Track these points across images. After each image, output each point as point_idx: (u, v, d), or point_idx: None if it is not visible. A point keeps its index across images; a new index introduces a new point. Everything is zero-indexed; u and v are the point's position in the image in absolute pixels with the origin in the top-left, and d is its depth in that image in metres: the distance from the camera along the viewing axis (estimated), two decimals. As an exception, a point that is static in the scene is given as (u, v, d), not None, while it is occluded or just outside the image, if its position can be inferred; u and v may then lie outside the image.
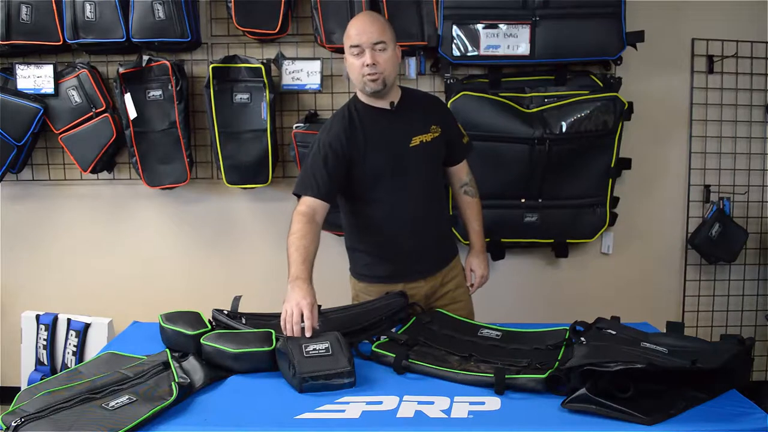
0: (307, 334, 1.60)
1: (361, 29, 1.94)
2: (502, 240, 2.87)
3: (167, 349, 1.66)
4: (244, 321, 1.82)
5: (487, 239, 2.83)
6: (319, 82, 2.75)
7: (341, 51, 2.66)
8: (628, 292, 3.01)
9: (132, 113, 2.69)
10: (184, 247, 3.02)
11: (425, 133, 2.06)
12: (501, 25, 2.67)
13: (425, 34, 2.66)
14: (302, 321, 1.62)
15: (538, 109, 2.73)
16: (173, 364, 1.55)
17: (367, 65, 1.92)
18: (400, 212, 2.04)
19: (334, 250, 2.95)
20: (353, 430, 1.35)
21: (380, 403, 1.45)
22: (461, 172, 2.24)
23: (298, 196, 1.98)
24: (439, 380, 1.56)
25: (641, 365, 1.37)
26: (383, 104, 2.03)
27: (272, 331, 1.67)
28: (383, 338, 1.75)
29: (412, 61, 2.74)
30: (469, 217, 2.28)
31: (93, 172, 2.83)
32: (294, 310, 1.63)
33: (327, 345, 1.56)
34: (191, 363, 1.59)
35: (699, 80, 2.93)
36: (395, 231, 2.07)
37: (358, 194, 2.06)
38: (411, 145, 2.03)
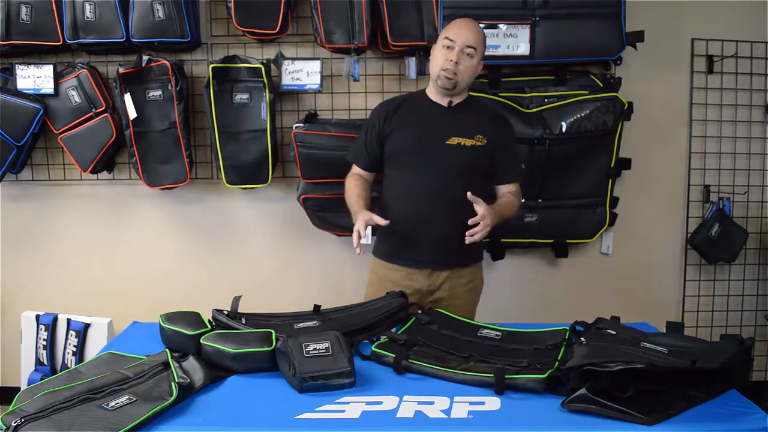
0: (362, 234, 1.96)
1: (461, 28, 2.11)
2: (502, 240, 2.87)
3: (167, 349, 1.66)
4: (244, 321, 1.82)
5: (487, 239, 2.85)
6: (318, 82, 2.75)
7: (341, 51, 2.69)
8: (628, 292, 3.01)
9: (132, 113, 2.69)
10: (184, 247, 3.02)
11: (467, 138, 2.13)
12: (501, 25, 2.67)
13: (425, 34, 2.66)
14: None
15: (538, 109, 2.73)
16: (173, 364, 1.55)
17: (450, 60, 2.06)
18: (410, 196, 2.13)
19: (333, 250, 2.96)
20: (353, 430, 1.35)
21: (380, 403, 1.45)
22: (510, 188, 2.23)
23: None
24: (439, 380, 1.56)
25: (641, 365, 1.38)
26: (442, 101, 2.15)
27: (272, 331, 1.67)
28: (383, 338, 1.75)
29: (412, 61, 2.74)
30: (503, 200, 2.18)
31: (93, 172, 2.83)
32: (354, 235, 1.97)
33: (327, 345, 1.56)
34: (191, 363, 1.59)
35: (699, 80, 2.93)
36: (402, 211, 2.14)
37: (385, 168, 2.22)
38: (447, 142, 2.12)
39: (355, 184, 2.19)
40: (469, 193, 1.97)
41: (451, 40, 2.08)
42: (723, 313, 3.04)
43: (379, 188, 2.28)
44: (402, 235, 2.15)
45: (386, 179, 2.23)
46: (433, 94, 2.19)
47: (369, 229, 2.05)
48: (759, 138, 2.98)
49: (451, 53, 2.07)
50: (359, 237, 1.97)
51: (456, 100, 2.17)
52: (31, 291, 3.02)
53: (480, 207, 1.97)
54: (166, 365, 1.56)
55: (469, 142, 2.13)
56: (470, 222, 1.96)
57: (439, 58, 2.10)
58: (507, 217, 2.16)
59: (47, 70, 2.73)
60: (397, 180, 2.19)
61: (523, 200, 2.74)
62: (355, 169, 2.26)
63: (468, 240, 1.97)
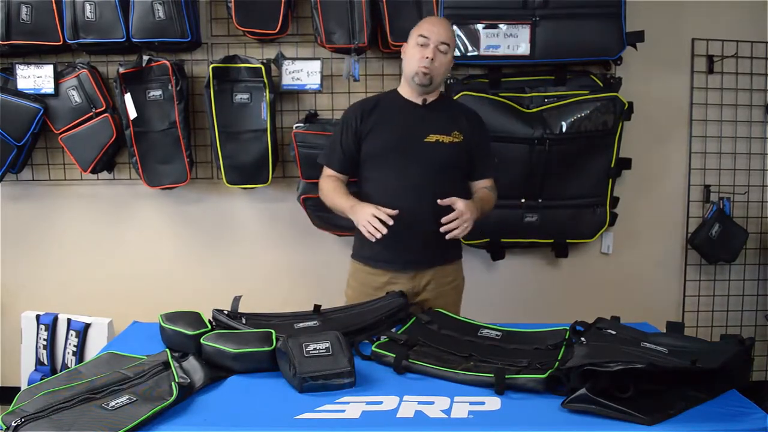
0: (389, 222, 1.92)
1: (434, 25, 2.12)
2: (502, 240, 2.87)
3: (167, 349, 1.66)
4: (244, 321, 1.83)
5: (487, 239, 2.86)
6: (319, 82, 2.75)
7: (341, 51, 2.69)
8: (628, 292, 3.01)
9: (132, 113, 2.69)
10: (184, 247, 3.02)
11: (445, 135, 2.13)
12: (501, 25, 2.67)
13: (425, 34, 2.66)
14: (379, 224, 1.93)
15: (538, 109, 2.73)
16: (173, 364, 1.55)
17: (427, 57, 2.06)
18: (393, 195, 2.08)
19: (333, 250, 2.96)
20: (353, 430, 1.35)
21: (380, 403, 1.45)
22: (485, 184, 2.23)
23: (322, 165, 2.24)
24: (439, 380, 1.56)
25: (641, 365, 1.38)
26: (417, 99, 2.15)
27: (272, 331, 1.67)
28: (383, 338, 1.75)
29: (412, 61, 2.74)
30: (480, 194, 2.18)
31: (93, 172, 2.83)
32: (370, 219, 1.94)
33: (327, 345, 1.56)
34: (191, 363, 1.59)
35: (699, 80, 2.93)
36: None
37: (362, 170, 2.18)
38: (425, 139, 2.11)
39: (336, 185, 2.15)
40: (439, 200, 1.97)
41: (425, 37, 2.07)
42: (723, 313, 3.04)
43: (353, 190, 2.21)
44: (385, 238, 2.05)
45: (364, 181, 2.18)
46: (406, 92, 2.17)
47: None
48: (759, 138, 2.98)
49: (426, 50, 2.07)
50: (376, 222, 1.91)
51: (430, 98, 2.16)
52: (31, 291, 3.02)
53: (459, 203, 1.96)
54: (166, 365, 1.56)
55: (447, 139, 2.12)
56: (445, 219, 1.95)
57: (414, 56, 2.09)
58: (486, 212, 2.15)
59: (47, 70, 2.73)
60: (377, 181, 2.15)
61: (523, 200, 2.78)
62: (328, 172, 2.20)
63: (448, 236, 1.95)
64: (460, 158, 2.16)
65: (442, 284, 2.19)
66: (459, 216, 1.95)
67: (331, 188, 2.15)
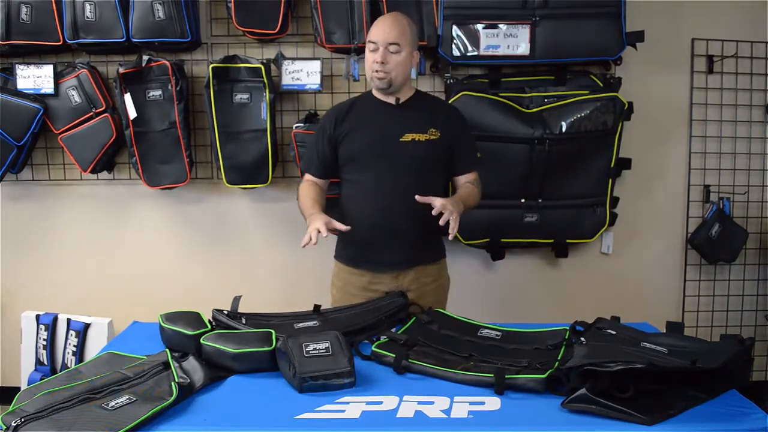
0: (322, 231, 1.90)
1: (381, 27, 2.09)
2: (502, 240, 2.87)
3: (167, 349, 1.66)
4: (244, 321, 1.83)
5: (487, 239, 2.85)
6: (318, 82, 2.75)
7: (341, 51, 2.69)
8: (628, 292, 3.01)
9: (132, 113, 2.69)
10: (184, 247, 3.02)
11: (421, 133, 2.12)
12: (501, 25, 2.67)
13: (425, 34, 2.66)
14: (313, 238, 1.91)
15: (538, 109, 2.73)
16: (173, 364, 1.55)
17: (376, 62, 2.06)
18: (372, 197, 2.11)
19: (333, 250, 2.95)
20: (353, 430, 1.35)
21: (380, 403, 1.45)
22: (468, 178, 2.23)
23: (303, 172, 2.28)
24: (439, 380, 1.56)
25: (641, 365, 1.38)
26: (390, 99, 2.15)
27: (272, 331, 1.68)
28: (383, 338, 1.75)
29: (412, 61, 2.74)
30: (461, 190, 2.18)
31: (93, 172, 2.83)
32: (312, 230, 1.91)
33: (327, 345, 1.56)
34: (191, 363, 1.59)
35: (699, 80, 2.93)
36: (363, 214, 2.11)
37: (341, 173, 2.20)
38: (401, 140, 2.11)
39: (309, 190, 2.17)
40: (417, 197, 1.96)
41: (373, 42, 2.08)
42: (723, 313, 3.04)
43: (335, 191, 2.25)
44: (366, 239, 2.13)
45: (344, 184, 2.21)
46: (378, 94, 2.18)
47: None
48: (759, 138, 2.98)
49: (376, 54, 2.07)
50: (316, 236, 1.90)
51: (403, 97, 2.16)
52: (31, 291, 3.02)
53: (436, 200, 1.95)
54: (166, 365, 1.56)
55: (423, 137, 2.12)
56: (434, 212, 1.92)
57: (368, 61, 2.10)
58: (470, 207, 2.14)
59: (47, 70, 2.73)
60: (356, 183, 2.16)
61: (523, 200, 2.78)
62: (308, 177, 2.24)
63: (451, 236, 1.94)
64: (438, 156, 2.16)
65: (425, 284, 2.20)
66: (444, 210, 1.92)
67: (304, 193, 2.16)
